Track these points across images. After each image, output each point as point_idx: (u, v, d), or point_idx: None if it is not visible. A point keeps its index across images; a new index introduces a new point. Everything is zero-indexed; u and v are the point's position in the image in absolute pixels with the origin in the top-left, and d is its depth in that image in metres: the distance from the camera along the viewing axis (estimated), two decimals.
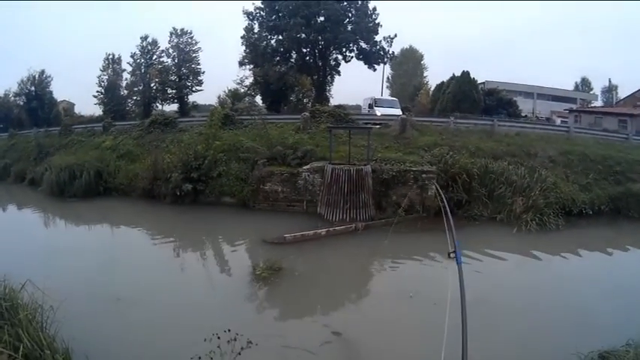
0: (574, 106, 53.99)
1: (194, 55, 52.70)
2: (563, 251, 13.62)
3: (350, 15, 41.78)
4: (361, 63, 44.16)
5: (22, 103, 52.29)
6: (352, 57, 43.93)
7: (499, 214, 16.52)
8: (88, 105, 71.52)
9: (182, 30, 52.10)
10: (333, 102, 41.39)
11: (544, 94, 58.54)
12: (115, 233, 16.34)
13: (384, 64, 47.19)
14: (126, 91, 52.90)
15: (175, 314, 8.58)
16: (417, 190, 16.67)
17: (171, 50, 52.16)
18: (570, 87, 70.01)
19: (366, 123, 24.58)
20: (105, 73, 52.60)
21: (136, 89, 52.51)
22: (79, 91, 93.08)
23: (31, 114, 49.33)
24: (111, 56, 53.03)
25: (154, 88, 52.25)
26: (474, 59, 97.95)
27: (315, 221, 15.95)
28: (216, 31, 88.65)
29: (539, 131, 24.94)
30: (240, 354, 5.84)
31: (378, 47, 43.04)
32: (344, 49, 43.50)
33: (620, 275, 12.03)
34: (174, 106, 52.47)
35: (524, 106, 50.14)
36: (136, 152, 23.64)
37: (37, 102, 50.77)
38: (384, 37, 42.98)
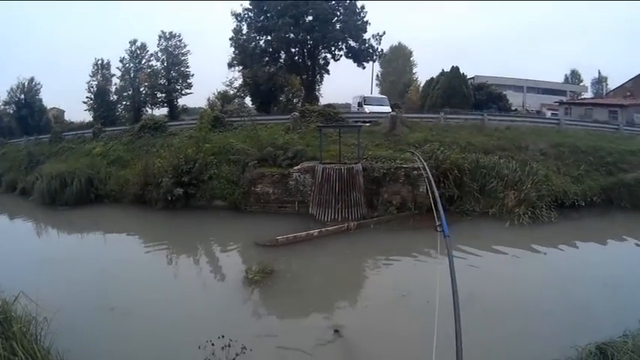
0: (564, 99, 54.16)
1: (183, 58, 52.66)
2: (557, 243, 13.67)
3: (338, 14, 41.80)
4: (350, 61, 44.21)
5: (11, 112, 51.75)
6: (341, 55, 43.87)
7: (491, 209, 16.53)
8: (78, 111, 71.44)
9: (171, 33, 52.03)
10: (323, 101, 41.59)
11: (534, 87, 58.70)
12: (107, 240, 16.18)
13: (373, 61, 47.37)
14: (115, 97, 52.57)
15: (169, 321, 8.53)
16: (409, 187, 16.67)
17: (160, 54, 52.06)
18: (560, 79, 70.35)
19: (356, 121, 24.65)
20: (94, 78, 52.34)
21: (125, 94, 52.29)
22: (68, 98, 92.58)
23: (21, 122, 48.87)
24: (100, 61, 52.70)
25: (144, 92, 52.13)
26: (463, 54, 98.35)
27: (307, 222, 15.92)
28: (205, 33, 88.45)
29: (529, 124, 25.04)
30: None
31: (366, 45, 43.03)
32: (333, 48, 43.42)
33: (615, 265, 12.09)
34: (164, 110, 52.22)
35: (514, 99, 50.29)
36: (127, 158, 23.46)
37: (26, 110, 50.31)
38: (372, 35, 43.06)
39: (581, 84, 71.78)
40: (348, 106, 37.20)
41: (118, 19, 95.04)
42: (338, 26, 41.71)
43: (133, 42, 51.89)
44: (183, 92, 53.33)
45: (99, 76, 52.54)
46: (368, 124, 23.62)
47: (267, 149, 18.65)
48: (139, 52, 52.13)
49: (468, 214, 16.28)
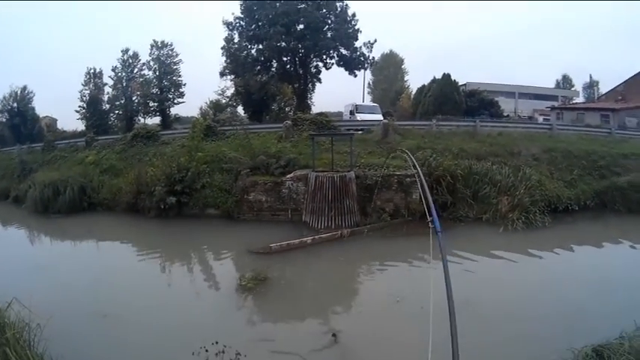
0: (556, 104, 54.51)
1: (175, 67, 52.57)
2: (552, 247, 13.73)
3: (329, 22, 41.91)
4: (342, 69, 44.30)
5: (4, 120, 51.69)
6: (333, 64, 43.97)
7: (485, 214, 16.59)
8: (70, 120, 71.20)
9: (163, 42, 52.02)
10: (315, 110, 41.42)
11: (525, 92, 58.99)
12: (100, 248, 16.14)
13: (365, 69, 47.55)
14: (108, 105, 52.31)
15: (162, 328, 8.51)
16: (402, 194, 16.72)
17: (152, 63, 51.97)
18: (551, 85, 70.74)
19: (348, 129, 24.72)
20: (86, 87, 52.10)
21: (117, 103, 52.07)
22: (61, 107, 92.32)
23: (14, 130, 48.76)
24: (92, 70, 52.50)
25: (136, 101, 52.04)
26: (454, 61, 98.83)
27: (301, 229, 15.92)
28: (197, 42, 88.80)
29: (521, 130, 25.23)
30: None
31: (358, 53, 43.17)
32: (324, 56, 43.52)
33: (610, 268, 12.17)
34: (157, 119, 52.23)
35: (506, 105, 50.52)
36: (119, 166, 23.41)
37: (19, 118, 50.28)
38: (364, 43, 43.22)
39: (573, 89, 72.35)
40: (340, 114, 37.33)
41: (111, 28, 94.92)
42: (329, 34, 41.82)
43: (125, 51, 51.88)
44: (175, 101, 53.23)
45: (91, 85, 52.34)
46: (360, 132, 23.75)
47: (259, 158, 18.65)
48: (131, 61, 52.06)
49: (461, 220, 16.35)
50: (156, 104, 51.98)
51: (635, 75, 45.63)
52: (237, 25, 42.73)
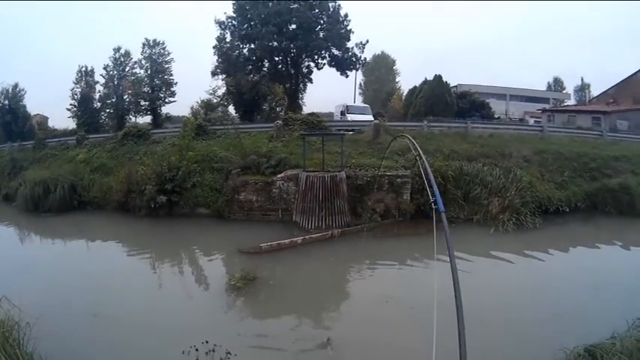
0: (547, 106, 54.83)
1: (167, 66, 52.54)
2: (543, 248, 13.82)
3: (322, 22, 42.03)
4: (333, 70, 44.51)
5: None
6: (324, 64, 44.13)
7: (475, 215, 16.68)
8: (61, 118, 70.81)
9: (155, 41, 51.96)
10: (306, 110, 41.51)
11: (516, 95, 59.34)
12: (90, 248, 16.00)
13: (356, 70, 47.67)
14: (99, 104, 52.02)
15: (152, 328, 8.50)
16: (393, 194, 16.75)
17: (144, 61, 51.90)
18: (543, 87, 71.18)
19: (339, 129, 24.72)
20: (78, 85, 51.85)
21: (109, 101, 51.85)
22: (52, 105, 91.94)
23: (5, 128, 48.60)
24: (84, 68, 52.23)
25: (127, 100, 51.88)
26: (447, 64, 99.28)
27: (291, 229, 15.91)
28: (189, 41, 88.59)
29: (512, 132, 25.31)
30: None
31: (350, 54, 43.36)
32: (316, 56, 43.64)
33: (601, 269, 12.30)
34: (148, 118, 51.98)
35: (497, 107, 50.79)
36: (110, 165, 23.27)
37: (10, 116, 49.98)
38: (356, 44, 43.43)
39: (564, 91, 72.94)
40: (331, 115, 37.37)
41: (103, 28, 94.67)
42: (321, 35, 41.97)
43: (117, 49, 51.76)
44: (166, 100, 53.11)
45: (83, 84, 52.06)
46: (351, 133, 23.76)
47: (250, 157, 18.62)
48: (122, 59, 51.95)
49: (452, 220, 16.28)
50: (147, 103, 51.91)
51: (626, 78, 46.12)
52: (230, 24, 42.81)
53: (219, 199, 18.09)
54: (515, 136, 23.71)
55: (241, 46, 43.22)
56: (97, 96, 52.46)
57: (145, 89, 51.57)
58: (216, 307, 9.91)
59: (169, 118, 53.04)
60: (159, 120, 50.98)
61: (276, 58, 43.59)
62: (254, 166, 18.34)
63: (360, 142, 21.63)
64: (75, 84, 51.80)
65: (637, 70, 44.93)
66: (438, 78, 41.22)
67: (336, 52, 42.99)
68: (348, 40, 42.68)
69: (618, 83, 47.17)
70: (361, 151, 20.27)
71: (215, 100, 50.72)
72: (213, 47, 44.13)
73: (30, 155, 28.80)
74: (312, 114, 27.62)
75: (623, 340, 6.55)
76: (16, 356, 6.06)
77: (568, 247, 14.34)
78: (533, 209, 16.78)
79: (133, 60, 52.12)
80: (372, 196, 16.65)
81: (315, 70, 45.19)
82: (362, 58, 44.58)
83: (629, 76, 45.70)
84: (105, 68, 51.62)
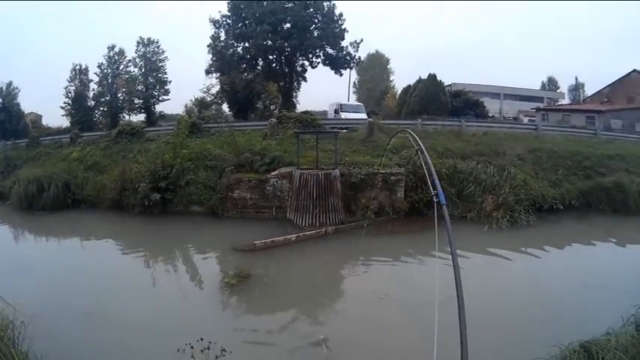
0: (541, 105, 55.02)
1: (161, 64, 52.23)
2: (537, 246, 13.90)
3: (316, 21, 42.05)
4: (327, 68, 44.65)
5: None
6: (319, 62, 44.31)
7: (469, 213, 16.71)
8: (55, 117, 70.57)
9: (149, 39, 51.67)
10: (300, 108, 41.40)
11: (511, 94, 59.44)
12: (84, 246, 15.98)
13: (351, 69, 48.14)
14: (93, 102, 51.58)
15: (147, 326, 8.48)
16: (386, 192, 16.78)
17: (138, 60, 51.56)
18: (537, 86, 71.34)
19: (333, 127, 24.75)
20: (72, 83, 51.28)
21: (103, 100, 51.31)
22: (46, 103, 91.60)
23: None
24: (78, 67, 51.74)
25: (121, 98, 51.55)
26: (442, 64, 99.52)
27: (285, 227, 15.91)
28: (183, 40, 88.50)
29: (507, 130, 25.48)
30: None
31: (344, 52, 43.45)
32: (310, 55, 43.78)
33: (596, 266, 12.38)
34: (142, 116, 51.75)
35: (492, 106, 50.87)
36: (104, 163, 23.25)
37: (4, 114, 49.43)
38: (350, 43, 43.53)
39: (558, 91, 73.12)
40: (324, 113, 37.43)
41: (98, 27, 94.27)
42: (316, 33, 42.03)
43: (111, 47, 51.37)
44: (160, 98, 52.81)
45: (77, 82, 51.56)
46: (345, 131, 23.75)
47: (244, 155, 18.65)
48: (117, 57, 51.51)
49: None
50: (141, 101, 51.66)
51: (620, 78, 46.40)
52: (224, 23, 42.84)
53: (213, 197, 18.08)
54: (509, 135, 23.83)
55: (236, 44, 43.22)
56: (90, 94, 52.08)
57: (139, 87, 51.28)
58: (211, 304, 9.91)
59: (163, 116, 52.81)
60: (153, 118, 50.74)
61: (271, 57, 43.60)
62: (248, 164, 18.37)
63: (353, 140, 21.65)
64: (69, 82, 51.38)
65: (631, 69, 45.28)
66: (432, 77, 41.17)
67: (330, 50, 43.11)
68: (343, 39, 42.81)
69: (612, 83, 47.56)
70: (355, 149, 20.32)
71: (209, 98, 50.76)
72: (208, 46, 44.20)
73: (24, 153, 28.73)
74: (306, 112, 27.65)
75: (618, 336, 6.53)
76: (11, 355, 6.01)
77: (563, 245, 14.42)
78: (527, 207, 16.85)
79: (127, 58, 51.82)
80: (366, 193, 16.65)
81: (309, 68, 45.46)
82: (356, 57, 44.79)
83: (623, 76, 46.06)
84: (99, 66, 51.24)
